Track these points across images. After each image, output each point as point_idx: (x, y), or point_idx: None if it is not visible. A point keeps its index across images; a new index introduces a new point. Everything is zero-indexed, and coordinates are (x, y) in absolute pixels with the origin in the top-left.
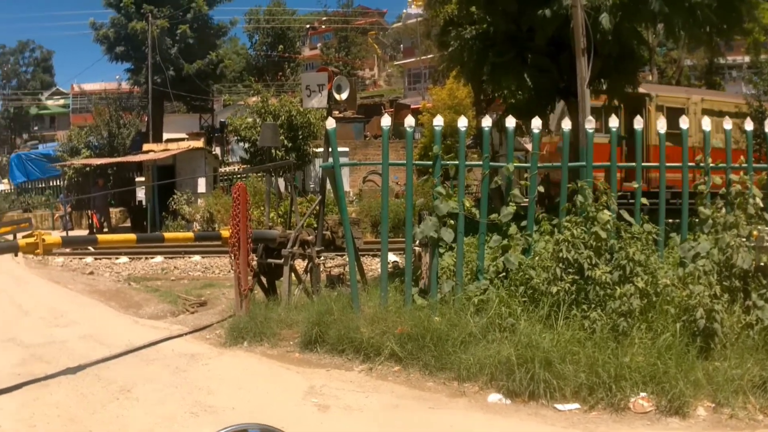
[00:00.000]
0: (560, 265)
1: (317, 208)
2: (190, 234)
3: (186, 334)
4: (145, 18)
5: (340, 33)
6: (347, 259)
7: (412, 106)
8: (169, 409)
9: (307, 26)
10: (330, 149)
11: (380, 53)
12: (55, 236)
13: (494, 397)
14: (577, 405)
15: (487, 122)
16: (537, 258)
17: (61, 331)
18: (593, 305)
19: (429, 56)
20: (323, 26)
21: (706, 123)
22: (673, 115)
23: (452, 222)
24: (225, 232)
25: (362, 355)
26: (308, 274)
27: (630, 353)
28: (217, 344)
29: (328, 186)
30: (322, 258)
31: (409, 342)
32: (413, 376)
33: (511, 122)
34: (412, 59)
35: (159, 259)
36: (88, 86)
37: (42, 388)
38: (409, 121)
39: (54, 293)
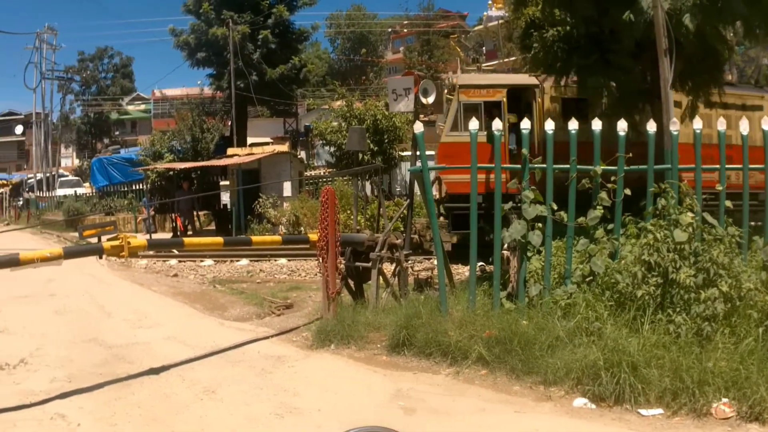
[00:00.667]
0: (643, 268)
1: (405, 211)
2: (278, 237)
3: (272, 336)
4: (226, 24)
5: (422, 36)
6: (434, 263)
7: None
8: (253, 410)
9: (389, 30)
10: (418, 153)
11: (463, 56)
12: (141, 239)
13: (580, 401)
14: (660, 410)
15: (573, 125)
16: (623, 262)
17: (145, 332)
18: (678, 309)
19: (511, 59)
20: (405, 30)
21: None
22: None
23: (540, 225)
24: (313, 236)
25: (449, 359)
26: (396, 277)
27: (713, 358)
28: (304, 347)
29: (416, 189)
30: (410, 261)
31: (496, 346)
32: (500, 380)
33: (597, 125)
34: (495, 62)
35: (244, 261)
36: (170, 91)
37: (124, 387)
38: (497, 124)
39: (137, 295)
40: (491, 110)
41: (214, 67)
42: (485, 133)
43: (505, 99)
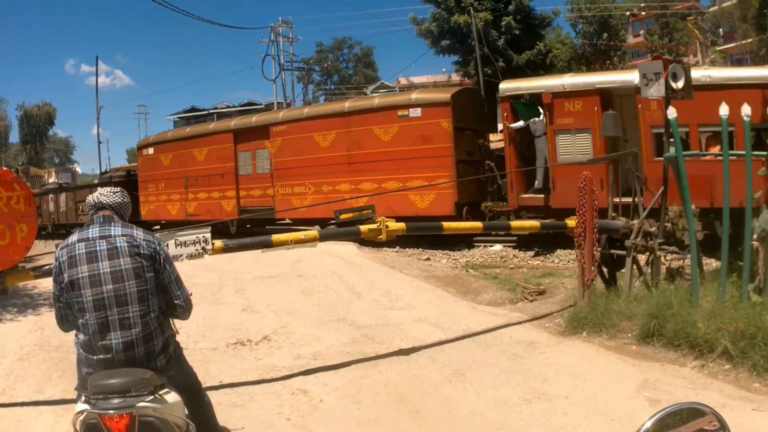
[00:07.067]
0: None
1: (659, 199)
2: (537, 223)
3: (524, 321)
4: (467, 11)
5: (660, 19)
6: (682, 252)
7: None
8: (502, 394)
9: (627, 13)
10: (672, 139)
11: (701, 39)
12: (399, 223)
13: None
14: None
15: None
16: None
17: (396, 313)
18: None
19: (748, 40)
20: (642, 13)
21: None
22: None
23: None
24: (571, 222)
25: (696, 351)
26: (649, 266)
27: None
28: (556, 333)
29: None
30: (664, 250)
31: (741, 340)
32: (741, 376)
33: None
34: (732, 44)
35: (498, 247)
36: (416, 79)
37: (371, 367)
38: (745, 109)
39: (388, 277)
40: None
41: (460, 54)
42: None
43: None
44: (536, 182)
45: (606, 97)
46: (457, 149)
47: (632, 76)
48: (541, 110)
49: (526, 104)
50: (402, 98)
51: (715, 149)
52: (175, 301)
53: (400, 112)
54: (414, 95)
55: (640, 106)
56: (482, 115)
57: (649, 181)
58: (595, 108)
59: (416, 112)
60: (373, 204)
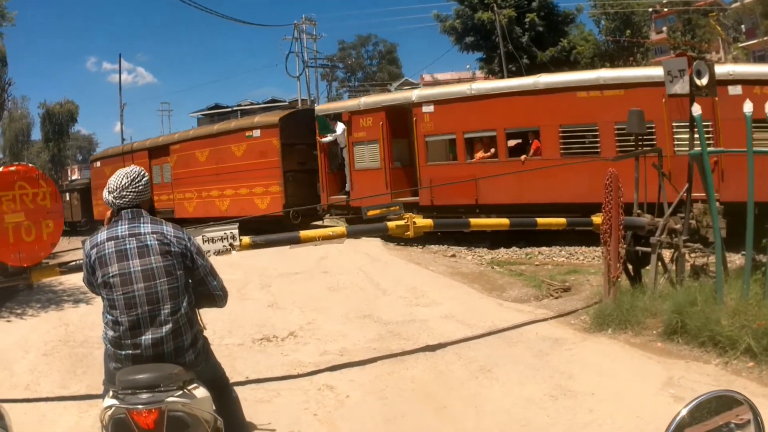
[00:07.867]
0: None
1: (683, 196)
2: (563, 219)
3: (550, 318)
4: (490, 8)
5: (682, 15)
6: (706, 249)
7: None
8: (528, 391)
9: (650, 9)
10: (696, 136)
11: (723, 35)
12: (427, 219)
13: None
14: None
15: None
16: None
17: (422, 310)
18: None
19: None
20: (665, 9)
21: None
22: None
23: None
24: (596, 219)
25: (719, 348)
26: (674, 263)
27: None
28: (581, 330)
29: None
30: (689, 247)
31: (764, 337)
32: (764, 373)
33: None
34: (755, 40)
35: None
36: (440, 75)
37: (398, 363)
38: (747, 106)
39: (414, 274)
40: None
41: (484, 51)
42: None
43: None
44: (347, 185)
45: (392, 112)
46: (285, 161)
47: (410, 94)
48: (343, 127)
49: (324, 123)
50: (249, 122)
51: (480, 153)
52: (213, 292)
53: (247, 133)
54: (257, 119)
55: (414, 118)
56: None
57: (423, 181)
58: (381, 123)
59: (257, 133)
60: (232, 205)
